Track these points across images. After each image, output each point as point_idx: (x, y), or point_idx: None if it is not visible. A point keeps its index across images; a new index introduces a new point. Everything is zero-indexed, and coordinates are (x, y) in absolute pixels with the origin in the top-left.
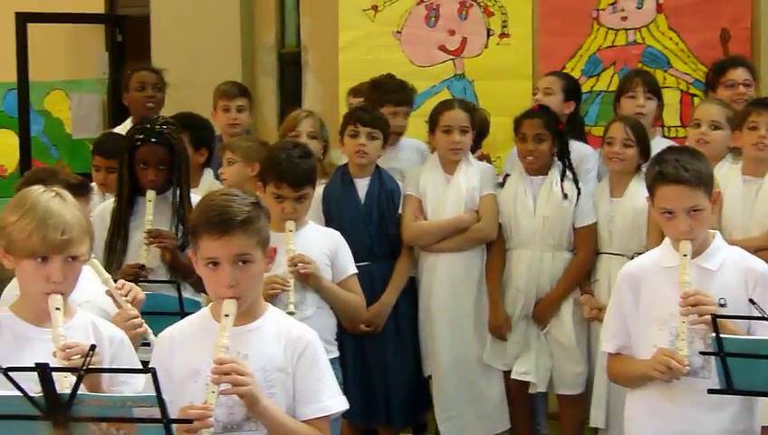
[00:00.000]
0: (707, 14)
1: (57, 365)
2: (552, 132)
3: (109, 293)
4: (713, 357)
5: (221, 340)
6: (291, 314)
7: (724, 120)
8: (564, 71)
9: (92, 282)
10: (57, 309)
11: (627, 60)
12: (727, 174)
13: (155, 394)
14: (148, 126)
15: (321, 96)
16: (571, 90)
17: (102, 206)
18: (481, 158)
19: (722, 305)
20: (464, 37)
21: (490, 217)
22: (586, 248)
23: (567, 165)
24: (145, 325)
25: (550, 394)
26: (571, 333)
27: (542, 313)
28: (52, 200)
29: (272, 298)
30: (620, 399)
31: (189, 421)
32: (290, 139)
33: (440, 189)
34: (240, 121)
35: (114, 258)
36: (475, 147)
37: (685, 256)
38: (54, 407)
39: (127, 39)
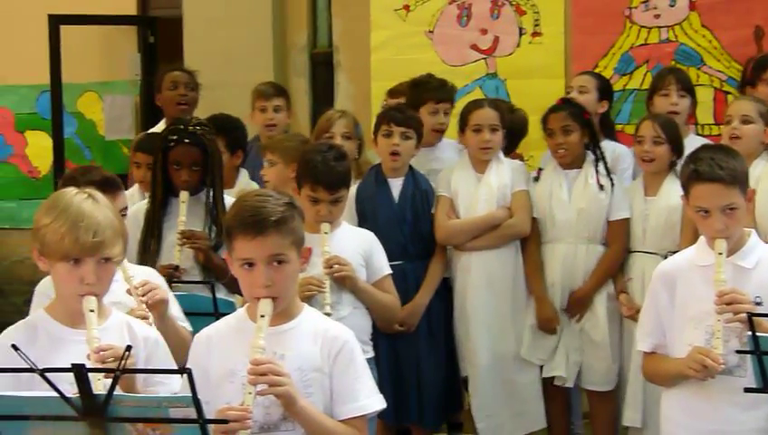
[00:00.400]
0: (740, 12)
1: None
2: (578, 123)
3: (128, 291)
4: (749, 356)
5: (257, 341)
6: (327, 314)
7: (757, 115)
8: (597, 69)
9: (121, 283)
10: (91, 311)
11: (660, 58)
12: (762, 171)
13: (191, 395)
14: (182, 127)
15: (353, 96)
16: (605, 89)
17: (136, 207)
18: (513, 158)
19: (758, 304)
20: (496, 36)
21: (523, 212)
22: (618, 242)
23: (599, 156)
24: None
25: (583, 393)
26: (605, 329)
27: (575, 306)
28: (85, 202)
29: (308, 299)
30: (655, 398)
31: (225, 422)
32: (324, 140)
33: (472, 188)
34: (277, 121)
35: (148, 259)
36: (512, 147)
37: (720, 254)
38: (91, 408)
39: (159, 40)
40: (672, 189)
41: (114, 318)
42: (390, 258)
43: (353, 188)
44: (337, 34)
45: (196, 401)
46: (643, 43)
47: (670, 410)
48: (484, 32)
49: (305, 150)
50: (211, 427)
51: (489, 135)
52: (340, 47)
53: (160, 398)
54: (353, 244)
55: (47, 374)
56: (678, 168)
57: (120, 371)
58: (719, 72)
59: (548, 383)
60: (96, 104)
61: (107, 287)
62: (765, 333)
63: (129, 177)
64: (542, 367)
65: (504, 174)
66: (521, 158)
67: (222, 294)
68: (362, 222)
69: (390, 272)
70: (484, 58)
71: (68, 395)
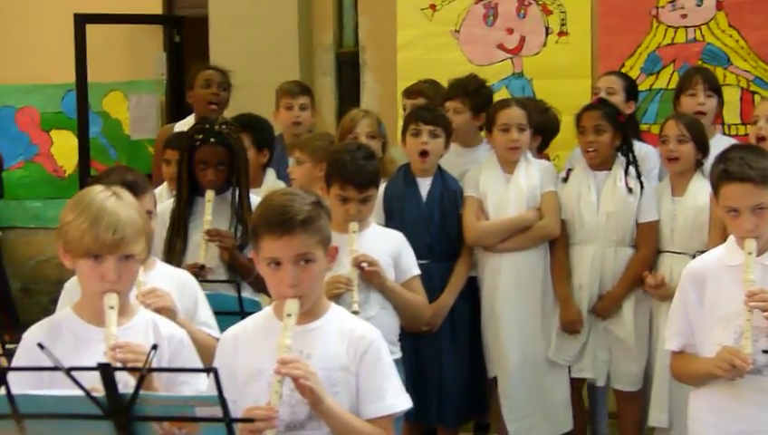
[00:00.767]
0: None
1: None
2: (611, 124)
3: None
4: None
5: (284, 340)
6: (355, 313)
7: None
8: (623, 69)
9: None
10: (111, 308)
11: (686, 57)
12: None
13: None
14: (207, 126)
15: (380, 95)
16: (632, 90)
17: (163, 206)
18: (540, 158)
19: None
20: (522, 36)
21: (553, 214)
22: (648, 245)
23: (631, 160)
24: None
25: (609, 394)
26: (631, 329)
27: (604, 309)
28: (108, 199)
29: (336, 298)
30: (681, 398)
31: (251, 421)
32: (352, 140)
33: (501, 189)
34: (302, 120)
35: (173, 258)
36: (544, 146)
37: (750, 254)
38: (116, 406)
39: (184, 40)
40: (699, 189)
41: (140, 317)
42: (416, 257)
43: (381, 187)
44: (363, 34)
45: (222, 400)
46: (670, 43)
47: (698, 410)
48: (511, 31)
49: (334, 150)
50: (237, 426)
51: (517, 134)
52: (366, 46)
53: (187, 397)
54: (382, 244)
55: (72, 373)
56: (705, 167)
57: (147, 369)
58: (746, 71)
59: (575, 385)
60: (121, 104)
61: (130, 285)
62: None
63: (154, 175)
64: (570, 369)
65: (533, 174)
66: (547, 158)
67: (247, 293)
68: (389, 221)
69: (419, 273)
70: (511, 58)
71: (94, 394)
